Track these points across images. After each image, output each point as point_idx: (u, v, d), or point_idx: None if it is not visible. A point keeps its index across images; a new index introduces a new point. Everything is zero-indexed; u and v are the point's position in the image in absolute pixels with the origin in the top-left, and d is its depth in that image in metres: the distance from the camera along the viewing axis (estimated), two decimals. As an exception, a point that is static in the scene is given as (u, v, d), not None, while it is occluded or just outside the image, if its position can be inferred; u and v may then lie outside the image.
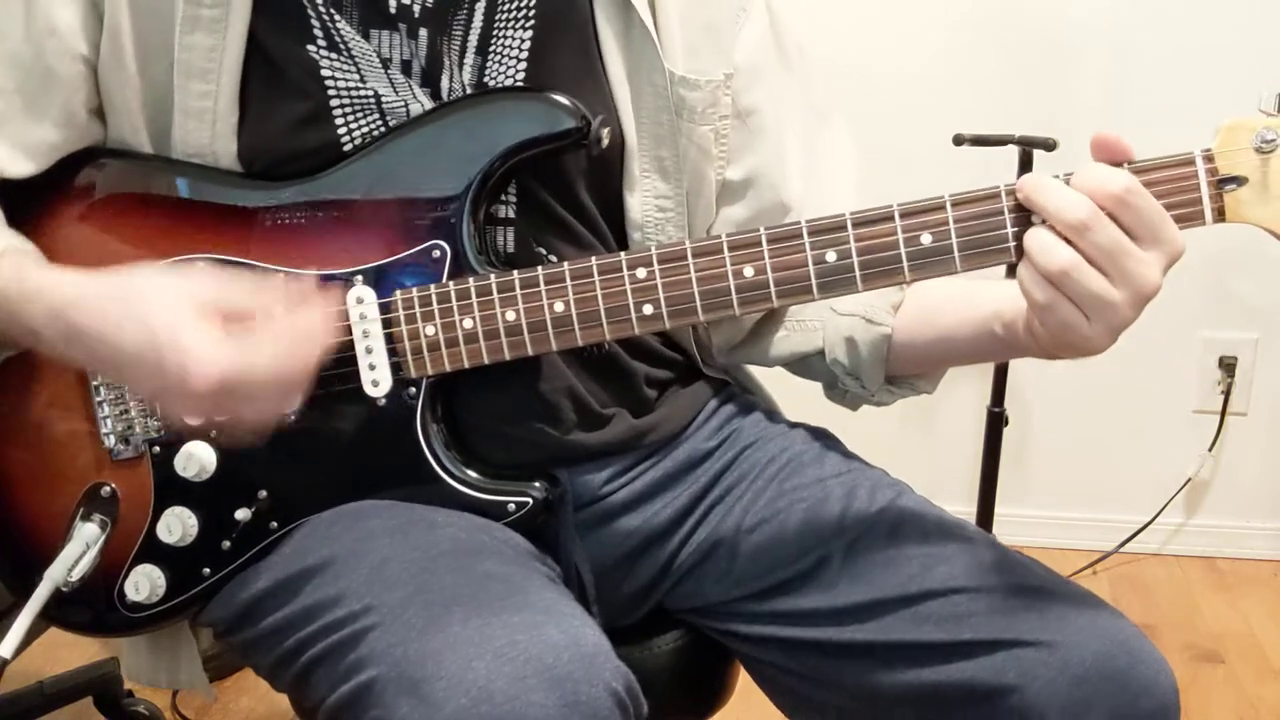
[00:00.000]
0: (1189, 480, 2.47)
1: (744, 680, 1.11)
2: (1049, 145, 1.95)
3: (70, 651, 1.90)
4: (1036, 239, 0.81)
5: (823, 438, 1.11)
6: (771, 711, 1.08)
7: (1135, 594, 2.38)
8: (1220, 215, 0.82)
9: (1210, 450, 2.45)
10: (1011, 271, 0.85)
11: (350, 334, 0.94)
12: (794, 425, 1.13)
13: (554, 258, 1.00)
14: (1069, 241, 0.79)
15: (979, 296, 0.94)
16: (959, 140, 2.02)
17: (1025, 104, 2.31)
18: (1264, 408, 2.44)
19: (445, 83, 0.98)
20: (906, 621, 0.93)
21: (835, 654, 0.97)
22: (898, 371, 1.05)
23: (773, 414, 1.15)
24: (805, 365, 1.10)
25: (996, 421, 2.14)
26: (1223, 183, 0.82)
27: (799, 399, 1.14)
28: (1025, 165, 1.98)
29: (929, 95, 2.34)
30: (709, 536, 1.05)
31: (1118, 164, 0.81)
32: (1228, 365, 2.42)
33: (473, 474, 0.97)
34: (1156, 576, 2.46)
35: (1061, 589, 0.94)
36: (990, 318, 0.93)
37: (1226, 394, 2.43)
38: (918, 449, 2.50)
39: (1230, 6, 2.25)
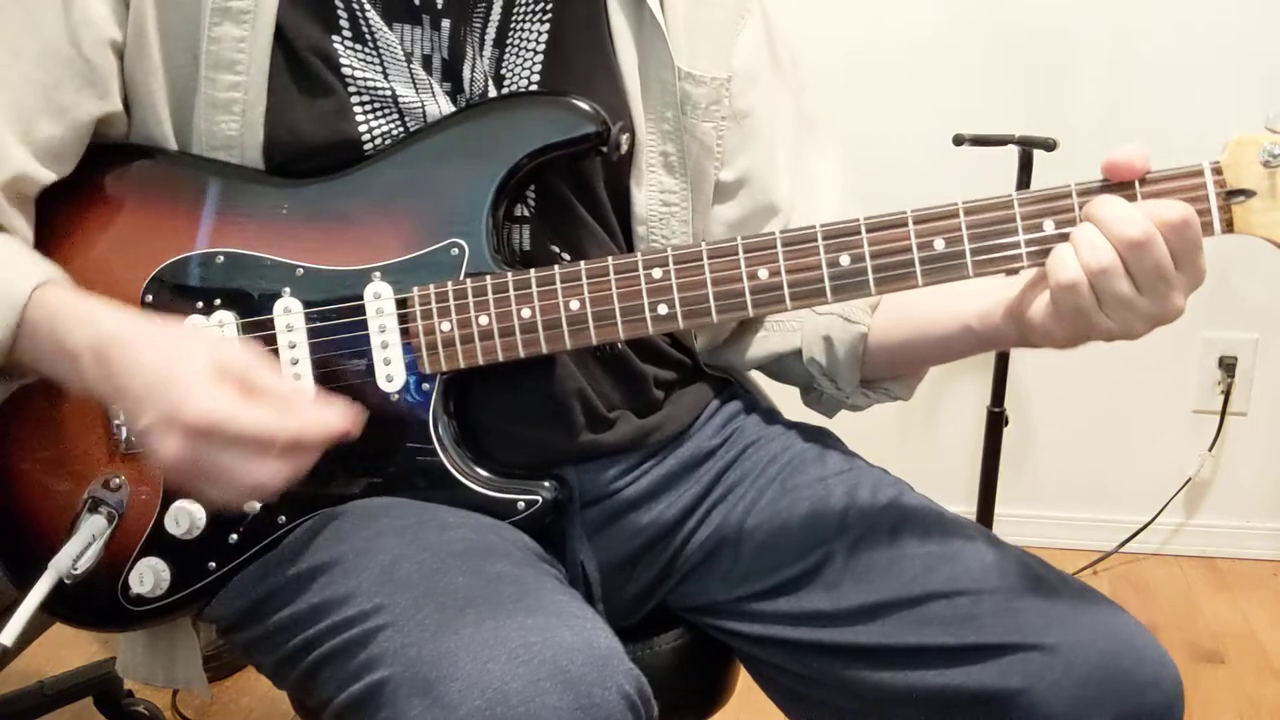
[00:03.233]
0: (1189, 480, 2.47)
1: (744, 680, 1.11)
2: (1049, 145, 1.95)
3: (71, 651, 1.90)
4: (1084, 234, 0.82)
5: (823, 437, 1.12)
6: (771, 712, 1.08)
7: (1135, 594, 2.38)
8: (1229, 226, 0.84)
9: (1210, 450, 2.46)
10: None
11: (367, 329, 0.94)
12: (793, 425, 1.13)
13: (568, 255, 1.01)
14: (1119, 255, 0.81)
15: (955, 292, 0.94)
16: (959, 140, 2.02)
17: (1025, 104, 2.31)
18: (1264, 408, 2.45)
19: (467, 72, 0.98)
20: (910, 624, 0.93)
21: (839, 655, 0.97)
22: (873, 373, 1.06)
23: (773, 413, 1.16)
24: (782, 366, 1.10)
25: (996, 421, 2.14)
26: (1231, 195, 0.84)
27: (797, 399, 1.14)
28: (1025, 165, 1.99)
29: (929, 95, 2.35)
30: (713, 534, 1.05)
31: (1132, 182, 0.83)
32: (1228, 365, 2.42)
33: (483, 472, 0.96)
34: (1156, 576, 2.46)
35: (1062, 586, 0.94)
36: (966, 313, 0.95)
37: (1226, 394, 2.43)
38: (918, 449, 2.50)
39: (1230, 6, 2.26)
